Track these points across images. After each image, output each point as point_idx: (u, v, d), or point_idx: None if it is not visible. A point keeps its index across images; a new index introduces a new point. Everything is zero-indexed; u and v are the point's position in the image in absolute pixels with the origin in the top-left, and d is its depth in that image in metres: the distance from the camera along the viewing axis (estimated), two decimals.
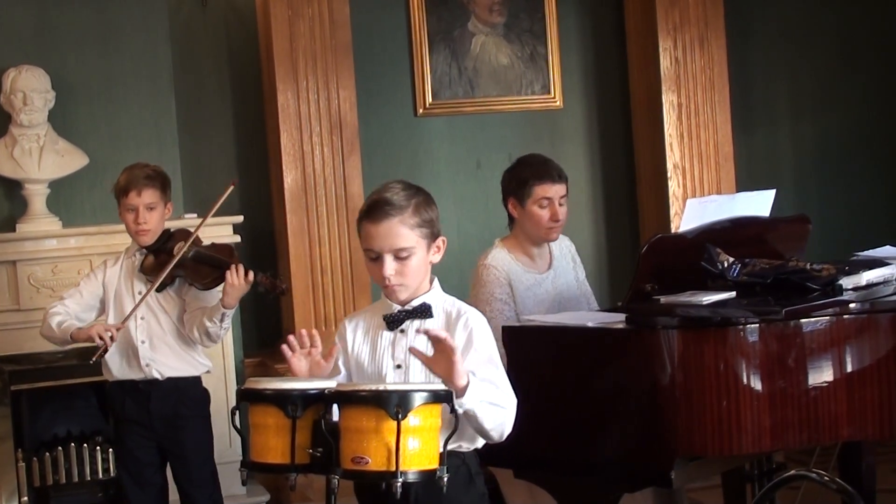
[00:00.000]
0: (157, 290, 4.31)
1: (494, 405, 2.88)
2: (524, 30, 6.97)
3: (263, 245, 6.40)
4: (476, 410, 2.83)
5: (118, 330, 4.23)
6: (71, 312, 4.36)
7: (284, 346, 2.98)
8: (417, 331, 2.92)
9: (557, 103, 7.05)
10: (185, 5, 6.48)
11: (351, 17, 6.33)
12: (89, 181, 5.90)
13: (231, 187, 4.44)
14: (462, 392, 2.79)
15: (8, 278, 5.66)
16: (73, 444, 5.82)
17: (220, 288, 4.30)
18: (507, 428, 2.93)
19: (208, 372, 4.52)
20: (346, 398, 2.73)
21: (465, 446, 3.00)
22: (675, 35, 6.82)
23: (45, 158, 5.69)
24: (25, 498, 5.65)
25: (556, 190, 4.21)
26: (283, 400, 2.77)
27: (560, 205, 4.22)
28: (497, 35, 6.94)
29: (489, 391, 2.88)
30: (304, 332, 2.98)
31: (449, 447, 2.91)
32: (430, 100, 6.82)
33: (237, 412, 2.90)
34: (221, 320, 4.27)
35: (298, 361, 2.97)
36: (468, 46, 6.89)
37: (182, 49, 6.37)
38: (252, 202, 6.44)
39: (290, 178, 6.20)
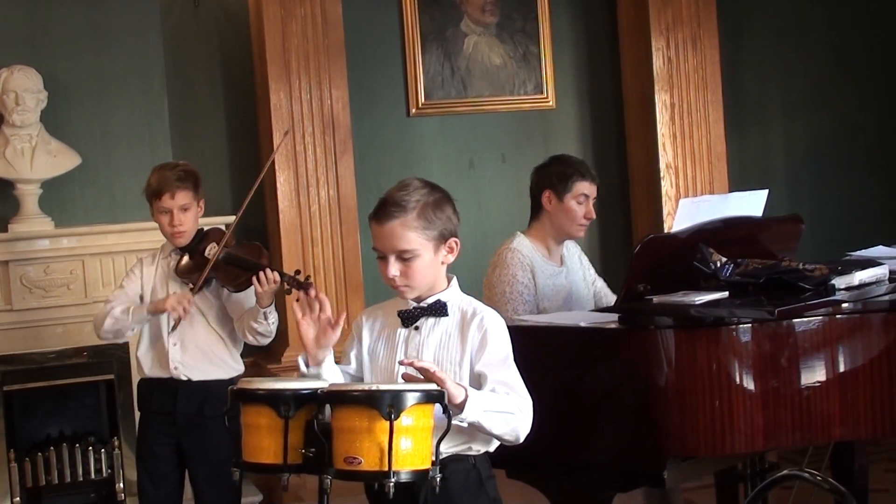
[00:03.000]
0: (193, 293, 4.30)
1: (501, 412, 2.86)
2: (517, 29, 6.97)
3: None
4: (481, 421, 2.83)
5: (189, 303, 4.22)
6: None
7: (295, 307, 3.01)
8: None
9: (550, 103, 7.05)
10: (177, 6, 6.47)
11: (343, 17, 6.33)
12: (81, 181, 5.90)
13: (286, 135, 4.42)
14: (461, 408, 2.78)
15: (0, 279, 5.65)
16: (65, 445, 5.82)
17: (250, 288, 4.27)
18: (521, 431, 2.92)
19: (239, 375, 4.46)
20: (339, 398, 2.73)
21: (476, 448, 3.00)
22: (667, 35, 6.83)
23: (37, 158, 5.68)
24: (18, 498, 5.63)
25: (591, 189, 4.41)
26: (275, 400, 2.77)
27: (592, 205, 4.41)
28: (490, 35, 6.94)
29: (494, 399, 2.87)
30: (312, 293, 2.98)
31: (458, 450, 2.95)
32: (423, 100, 6.82)
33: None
34: (266, 318, 4.26)
35: (307, 326, 3.00)
36: (461, 46, 6.89)
37: (174, 49, 6.37)
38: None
39: (282, 178, 6.20)
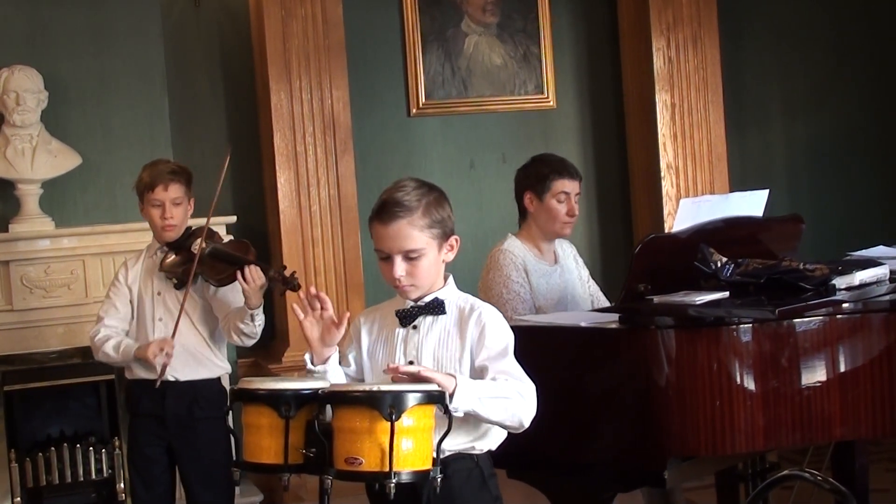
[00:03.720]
0: (177, 288, 4.29)
1: (497, 398, 2.85)
2: (517, 30, 6.97)
3: (257, 246, 6.33)
4: (476, 409, 2.82)
5: (171, 347, 4.21)
6: (118, 329, 4.37)
7: (296, 307, 3.00)
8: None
9: (551, 103, 7.05)
10: (177, 5, 6.47)
11: (344, 17, 6.33)
12: (82, 181, 5.90)
13: (227, 156, 4.41)
14: (451, 398, 2.77)
15: (1, 279, 5.66)
16: (66, 445, 5.82)
17: (237, 286, 4.25)
18: (524, 415, 2.90)
19: (227, 374, 4.49)
20: (340, 398, 2.73)
21: (479, 447, 3.00)
22: (668, 35, 6.83)
23: (37, 158, 5.68)
24: (18, 498, 5.64)
25: (572, 186, 4.38)
26: (276, 400, 2.77)
27: (575, 201, 4.38)
28: (490, 35, 6.94)
29: (489, 386, 2.86)
30: (311, 290, 2.98)
31: (461, 448, 2.95)
32: (424, 100, 6.82)
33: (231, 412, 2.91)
34: (252, 319, 4.25)
35: (311, 326, 3.00)
36: (461, 46, 6.89)
37: (175, 49, 6.36)
38: (245, 202, 6.44)
39: (283, 179, 6.21)
